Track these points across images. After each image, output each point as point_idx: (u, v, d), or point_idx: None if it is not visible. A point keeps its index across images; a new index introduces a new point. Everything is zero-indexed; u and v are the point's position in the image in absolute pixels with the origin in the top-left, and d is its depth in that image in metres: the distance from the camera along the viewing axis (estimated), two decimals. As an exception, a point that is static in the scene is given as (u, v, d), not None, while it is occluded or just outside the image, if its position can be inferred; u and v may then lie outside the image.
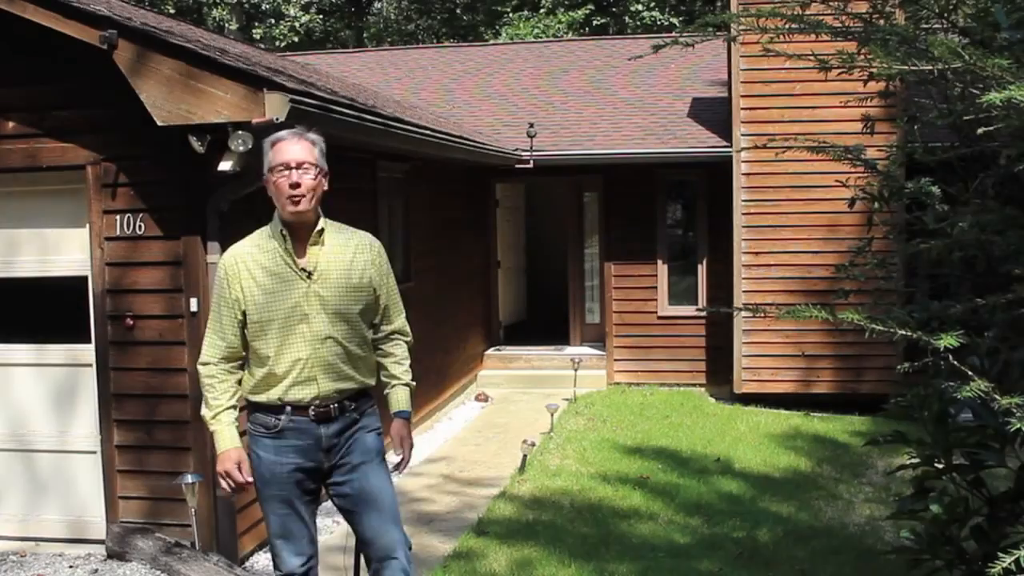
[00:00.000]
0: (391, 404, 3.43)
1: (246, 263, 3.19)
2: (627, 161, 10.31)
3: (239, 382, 3.26)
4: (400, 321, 3.45)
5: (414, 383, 3.48)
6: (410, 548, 3.32)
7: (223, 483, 3.23)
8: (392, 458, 3.41)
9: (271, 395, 3.18)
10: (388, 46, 23.46)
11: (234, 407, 3.24)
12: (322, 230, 3.21)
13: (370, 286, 3.28)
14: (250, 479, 3.21)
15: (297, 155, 3.14)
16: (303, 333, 3.15)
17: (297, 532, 3.26)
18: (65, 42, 4.84)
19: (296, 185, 3.10)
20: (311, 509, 3.32)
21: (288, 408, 3.18)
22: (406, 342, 3.48)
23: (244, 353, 3.25)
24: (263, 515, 3.31)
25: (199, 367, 3.26)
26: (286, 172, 3.12)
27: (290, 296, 3.15)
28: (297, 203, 3.12)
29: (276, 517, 3.25)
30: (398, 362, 3.44)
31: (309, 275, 3.17)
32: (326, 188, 3.24)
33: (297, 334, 3.15)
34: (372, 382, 3.35)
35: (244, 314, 3.18)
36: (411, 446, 3.41)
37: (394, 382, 3.43)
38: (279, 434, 3.19)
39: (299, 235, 3.19)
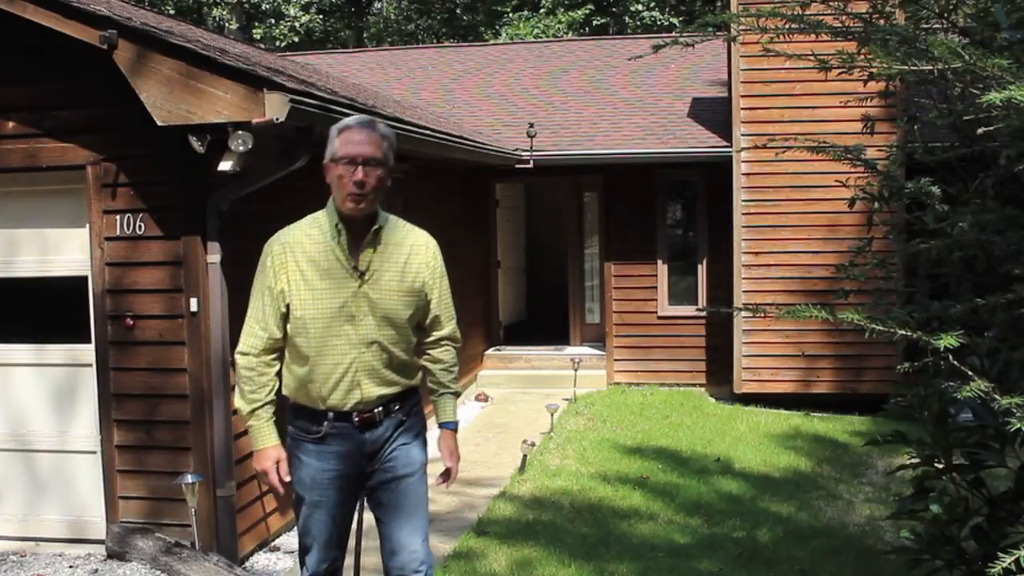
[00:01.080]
0: (439, 414, 3.32)
1: (294, 254, 3.02)
2: (627, 161, 10.30)
3: (278, 374, 3.13)
4: (451, 327, 3.28)
5: (460, 391, 3.35)
6: (431, 568, 3.22)
7: (263, 480, 3.14)
8: (430, 464, 3.29)
9: (312, 398, 3.06)
10: (388, 46, 23.45)
11: (273, 402, 3.11)
12: (379, 228, 3.05)
13: (422, 290, 3.13)
14: (288, 479, 3.10)
15: (366, 150, 2.96)
16: (348, 335, 3.01)
17: (331, 537, 3.17)
18: (65, 42, 4.84)
19: (361, 184, 2.93)
20: (348, 518, 3.23)
21: (330, 414, 3.06)
22: (456, 348, 3.33)
23: (283, 344, 3.10)
24: (295, 514, 3.22)
25: (237, 356, 3.11)
26: (351, 167, 2.94)
27: (338, 295, 3.00)
28: (359, 202, 2.95)
29: (313, 523, 3.15)
30: (447, 369, 3.30)
31: (361, 275, 3.01)
32: (390, 184, 3.10)
33: (342, 336, 3.01)
34: (416, 383, 3.23)
35: (288, 307, 3.03)
36: (459, 459, 3.30)
37: (442, 390, 3.30)
38: (322, 440, 3.08)
39: (355, 230, 3.03)
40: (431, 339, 3.25)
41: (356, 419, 3.06)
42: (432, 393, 3.33)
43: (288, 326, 3.05)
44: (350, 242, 3.02)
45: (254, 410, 3.08)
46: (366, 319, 3.01)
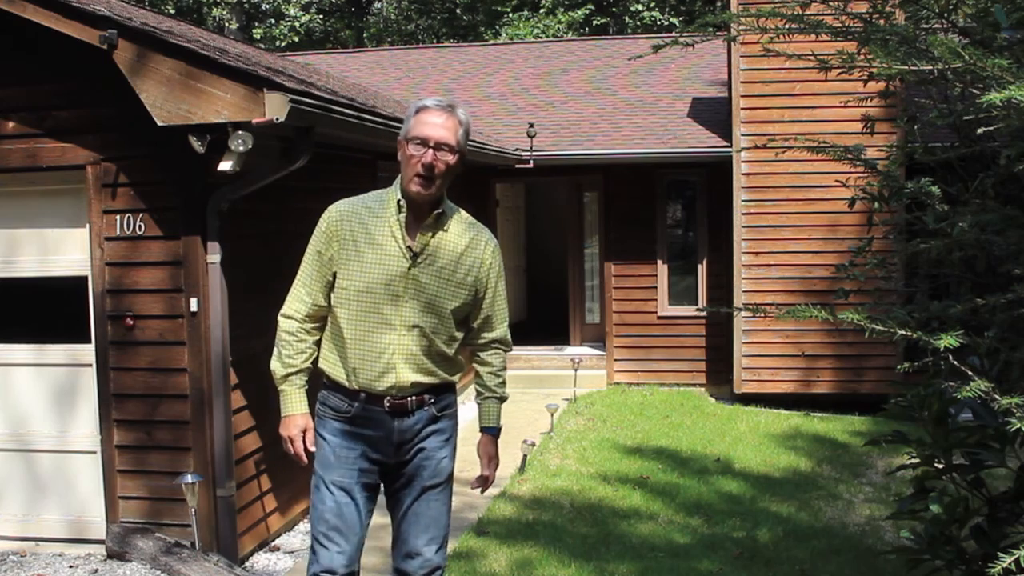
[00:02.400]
0: (482, 417, 3.24)
1: (351, 224, 2.97)
2: (627, 161, 10.31)
3: (317, 343, 3.07)
4: (502, 329, 3.21)
5: (507, 396, 3.28)
6: (443, 573, 3.16)
7: (286, 447, 3.07)
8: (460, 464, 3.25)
9: (346, 374, 2.99)
10: (388, 46, 23.46)
11: (308, 371, 3.07)
12: (441, 212, 2.98)
13: (473, 285, 3.05)
14: (313, 448, 3.04)
15: (439, 134, 2.90)
16: (389, 315, 2.94)
17: (351, 524, 3.01)
18: (65, 42, 4.84)
19: (430, 167, 2.88)
20: (370, 507, 3.09)
21: (363, 395, 2.98)
22: (505, 352, 3.26)
23: (327, 314, 3.05)
24: (312, 503, 3.08)
25: (281, 319, 3.06)
26: (422, 148, 2.89)
27: (387, 272, 2.93)
28: (425, 186, 2.90)
29: (333, 504, 3.00)
30: (495, 373, 3.22)
31: (415, 256, 2.95)
32: (461, 171, 3.02)
33: (383, 314, 2.94)
34: (456, 380, 3.15)
35: (335, 276, 2.98)
36: (497, 465, 3.22)
37: (488, 394, 3.22)
38: (350, 420, 3.01)
39: (416, 211, 2.96)
40: (482, 341, 3.18)
41: (387, 404, 2.98)
42: (478, 396, 3.26)
43: (332, 295, 3.00)
44: (410, 222, 2.96)
45: (288, 375, 3.04)
46: (411, 302, 2.94)
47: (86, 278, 5.26)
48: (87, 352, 5.31)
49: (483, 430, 3.23)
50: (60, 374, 5.46)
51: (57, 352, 5.47)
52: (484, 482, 3.21)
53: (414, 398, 3.01)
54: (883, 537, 5.53)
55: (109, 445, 5.24)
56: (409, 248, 2.95)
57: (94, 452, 5.33)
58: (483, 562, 5.10)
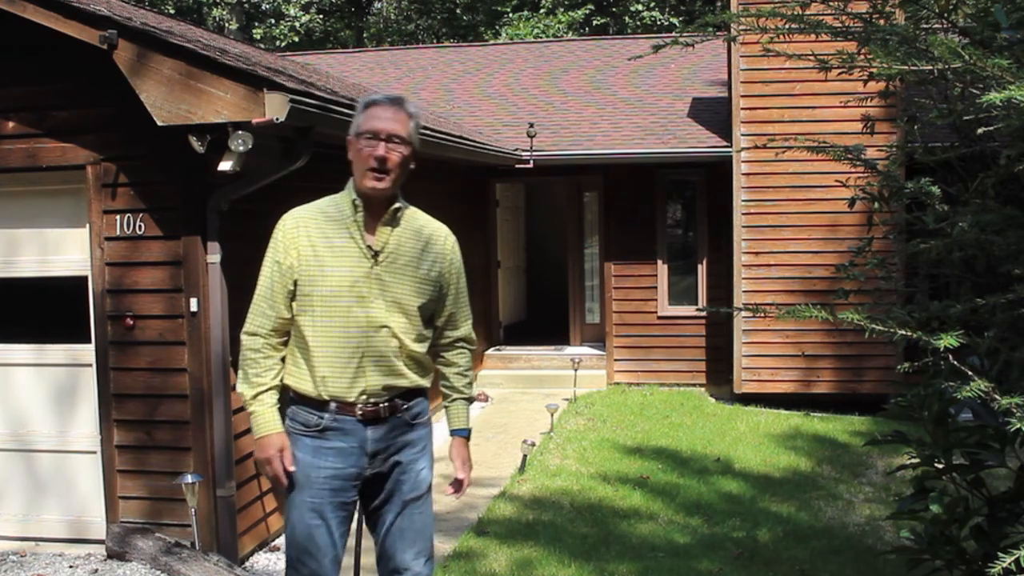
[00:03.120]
0: (451, 420, 3.16)
1: (307, 228, 2.90)
2: (627, 161, 10.31)
3: (283, 359, 2.96)
4: (467, 328, 3.14)
5: (475, 396, 3.24)
6: None
7: (265, 470, 2.96)
8: (438, 467, 3.17)
9: (314, 385, 2.89)
10: (388, 46, 23.46)
11: (277, 387, 2.95)
12: (398, 208, 2.93)
13: (437, 281, 3.00)
14: (292, 468, 2.91)
15: (390, 126, 2.84)
16: (356, 318, 2.86)
17: (323, 547, 2.92)
18: (65, 42, 4.84)
19: (383, 160, 2.82)
20: (343, 528, 2.98)
21: (332, 405, 2.88)
22: (471, 351, 3.19)
23: (291, 328, 2.95)
24: (285, 522, 3.01)
25: (244, 337, 2.95)
26: (374, 142, 2.83)
27: (350, 274, 2.86)
28: (380, 179, 2.84)
29: (303, 527, 2.92)
30: (461, 373, 3.14)
31: (375, 255, 2.89)
32: (414, 167, 2.96)
33: (350, 317, 2.85)
34: (427, 383, 3.06)
35: (295, 284, 2.89)
36: (471, 468, 3.15)
37: (455, 395, 3.15)
38: (320, 434, 2.90)
39: (373, 210, 2.90)
40: (446, 340, 3.11)
41: (359, 412, 2.90)
42: (444, 398, 3.18)
43: (294, 304, 2.91)
44: (367, 222, 2.90)
45: (258, 394, 2.92)
46: (376, 302, 2.87)
47: (86, 278, 5.27)
48: (87, 352, 5.31)
49: (453, 433, 3.15)
50: (60, 374, 5.46)
51: (57, 352, 5.47)
52: (459, 486, 3.13)
53: (386, 404, 2.93)
54: (883, 537, 5.53)
55: (109, 445, 5.24)
56: (370, 247, 2.89)
57: (94, 452, 5.34)
58: (483, 562, 5.10)
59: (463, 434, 3.15)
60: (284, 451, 2.90)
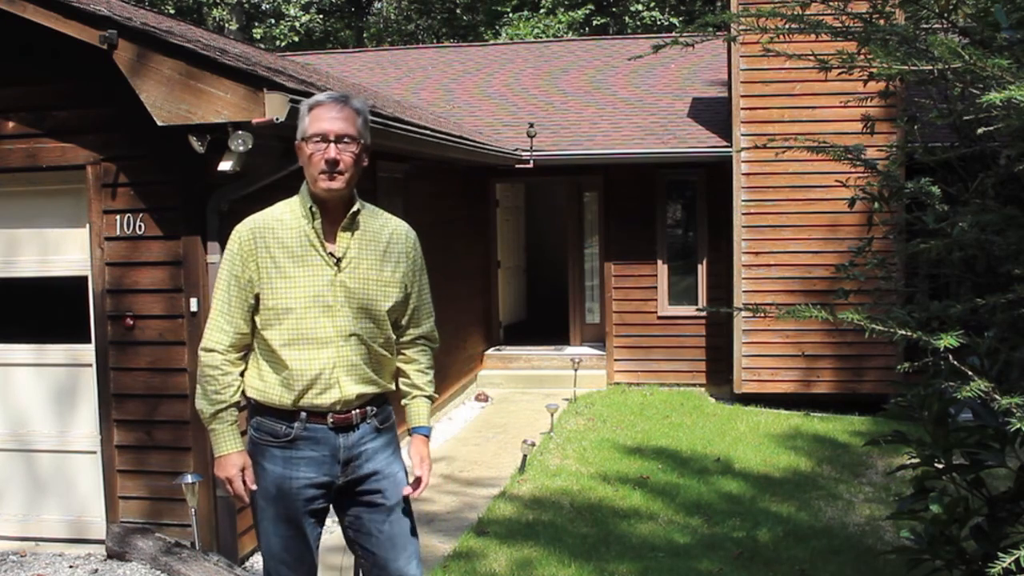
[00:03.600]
0: (411, 418, 3.06)
1: (265, 239, 2.80)
2: (627, 161, 10.31)
3: (242, 374, 2.89)
4: (429, 324, 3.07)
5: (436, 395, 3.14)
6: None
7: (226, 488, 2.91)
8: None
9: (284, 398, 2.80)
10: (388, 46, 23.46)
11: (237, 404, 2.88)
12: (357, 211, 2.84)
13: (402, 282, 2.92)
14: (254, 487, 2.86)
15: (338, 126, 2.76)
16: (324, 328, 2.78)
17: (300, 557, 2.90)
18: (65, 42, 4.84)
19: (334, 162, 2.74)
20: (316, 532, 2.93)
21: (303, 414, 2.81)
22: (433, 349, 3.11)
23: (251, 341, 2.87)
24: (259, 533, 2.94)
25: (202, 353, 2.87)
26: (323, 145, 2.75)
27: (313, 284, 2.78)
28: (333, 179, 2.75)
29: (278, 539, 2.87)
30: (423, 371, 3.06)
31: (338, 262, 2.80)
32: (366, 164, 2.87)
33: (318, 328, 2.78)
34: (393, 387, 3.01)
35: (257, 298, 2.81)
36: (430, 467, 3.03)
37: (415, 393, 3.05)
38: (290, 444, 2.82)
39: (330, 214, 2.81)
40: (407, 338, 3.02)
41: (331, 420, 2.82)
42: (404, 396, 3.07)
43: (257, 318, 2.83)
44: (325, 227, 2.81)
45: (217, 412, 2.84)
46: (343, 309, 2.80)
47: (86, 278, 5.27)
48: (87, 352, 5.31)
49: (413, 431, 3.05)
50: (60, 374, 5.46)
51: (57, 352, 5.47)
52: (418, 484, 3.00)
53: (357, 411, 2.87)
54: (883, 537, 5.53)
55: (109, 445, 5.24)
56: (331, 254, 2.81)
57: (94, 452, 5.34)
58: (483, 562, 5.10)
59: (423, 432, 3.05)
60: (246, 470, 2.85)
